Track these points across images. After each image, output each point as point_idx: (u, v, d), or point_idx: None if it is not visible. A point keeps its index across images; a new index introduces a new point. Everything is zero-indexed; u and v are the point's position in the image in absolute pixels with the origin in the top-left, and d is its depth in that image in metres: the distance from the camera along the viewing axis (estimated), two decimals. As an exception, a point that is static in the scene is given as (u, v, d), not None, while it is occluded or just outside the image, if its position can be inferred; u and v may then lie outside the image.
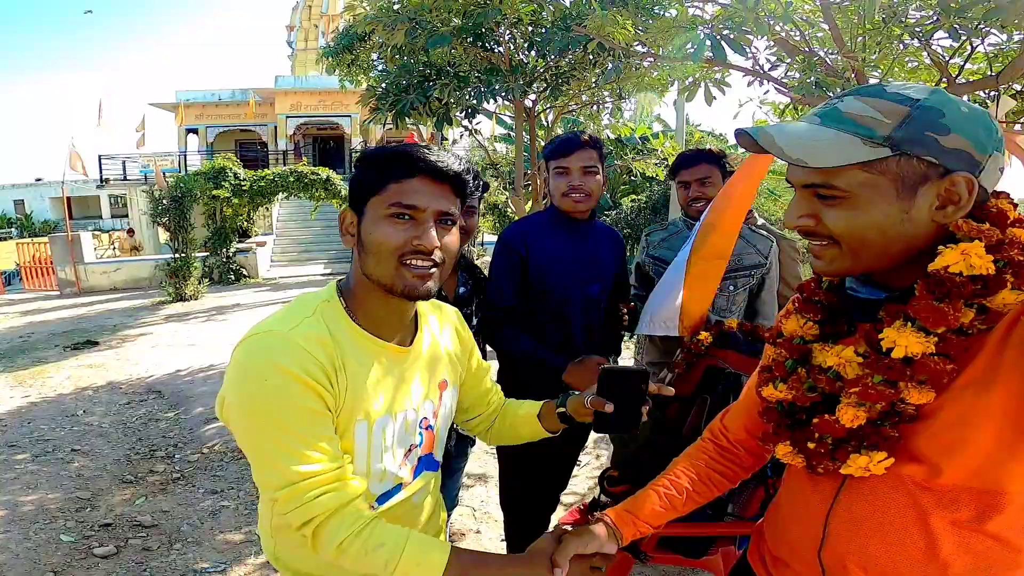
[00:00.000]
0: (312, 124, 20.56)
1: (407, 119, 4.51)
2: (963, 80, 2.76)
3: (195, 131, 20.88)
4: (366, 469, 0.89)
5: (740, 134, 0.72)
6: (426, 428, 0.98)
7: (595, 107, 5.90)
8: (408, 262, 0.87)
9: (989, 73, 2.70)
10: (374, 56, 5.64)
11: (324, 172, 11.93)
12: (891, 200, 0.67)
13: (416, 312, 1.01)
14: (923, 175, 0.66)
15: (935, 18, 2.40)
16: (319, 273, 13.09)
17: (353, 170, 0.92)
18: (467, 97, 4.37)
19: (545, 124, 6.19)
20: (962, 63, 2.77)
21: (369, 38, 4.92)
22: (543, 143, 5.86)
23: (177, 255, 9.62)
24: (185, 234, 9.67)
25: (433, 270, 0.89)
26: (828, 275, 0.76)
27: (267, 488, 0.83)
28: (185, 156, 19.26)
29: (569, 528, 0.94)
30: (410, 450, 0.95)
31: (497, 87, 4.38)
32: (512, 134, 9.01)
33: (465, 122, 5.25)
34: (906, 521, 0.71)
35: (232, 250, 11.78)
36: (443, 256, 0.90)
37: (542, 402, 1.15)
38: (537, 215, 1.86)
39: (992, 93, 2.65)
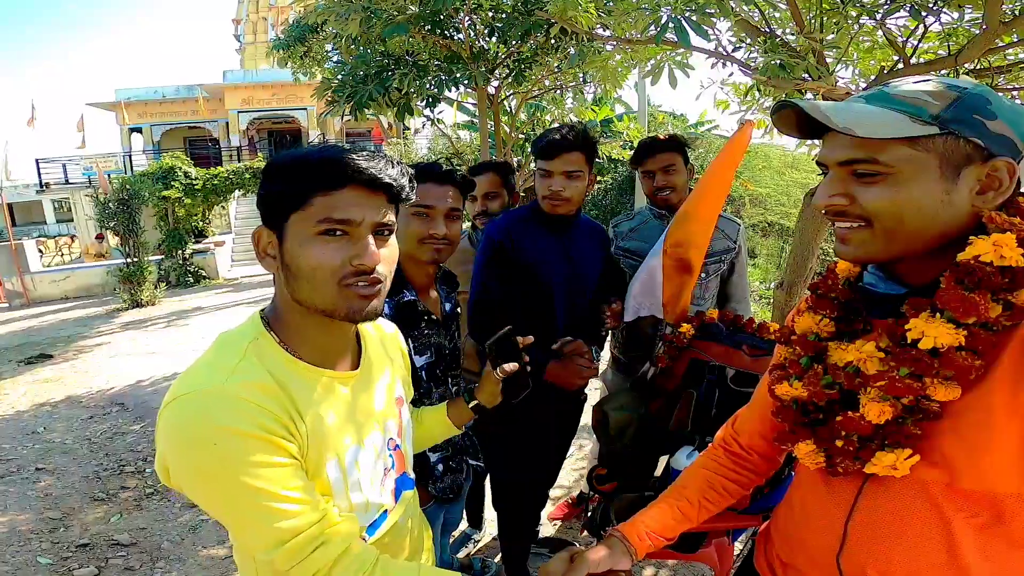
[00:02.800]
0: (266, 118, 19.91)
1: (366, 110, 4.38)
2: (918, 60, 2.81)
3: (139, 130, 19.98)
4: (348, 505, 0.82)
5: (783, 106, 0.70)
6: (394, 448, 0.93)
7: (559, 91, 5.84)
8: (349, 283, 0.77)
9: (940, 53, 2.75)
10: (328, 47, 5.45)
11: (281, 167, 11.57)
12: (934, 179, 0.66)
13: (358, 332, 0.93)
14: (967, 156, 0.66)
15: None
16: (282, 272, 12.69)
17: (265, 180, 0.79)
18: (428, 86, 4.27)
19: (508, 110, 6.11)
20: (916, 43, 2.82)
21: (322, 29, 4.74)
22: (508, 129, 5.79)
23: (129, 260, 9.21)
24: (135, 238, 9.24)
25: (378, 287, 0.79)
26: (855, 260, 0.74)
27: (257, 550, 0.75)
28: (130, 156, 18.42)
29: (580, 547, 0.92)
30: (385, 474, 0.90)
31: (459, 75, 4.29)
32: (475, 121, 8.90)
33: (427, 112, 5.13)
34: (928, 526, 0.69)
35: (188, 252, 11.34)
36: (385, 271, 0.80)
37: (444, 403, 1.18)
38: (522, 209, 1.83)
39: (944, 73, 2.71)
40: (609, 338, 2.19)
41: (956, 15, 2.79)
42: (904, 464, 0.68)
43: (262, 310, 0.84)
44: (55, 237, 18.35)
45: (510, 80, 4.90)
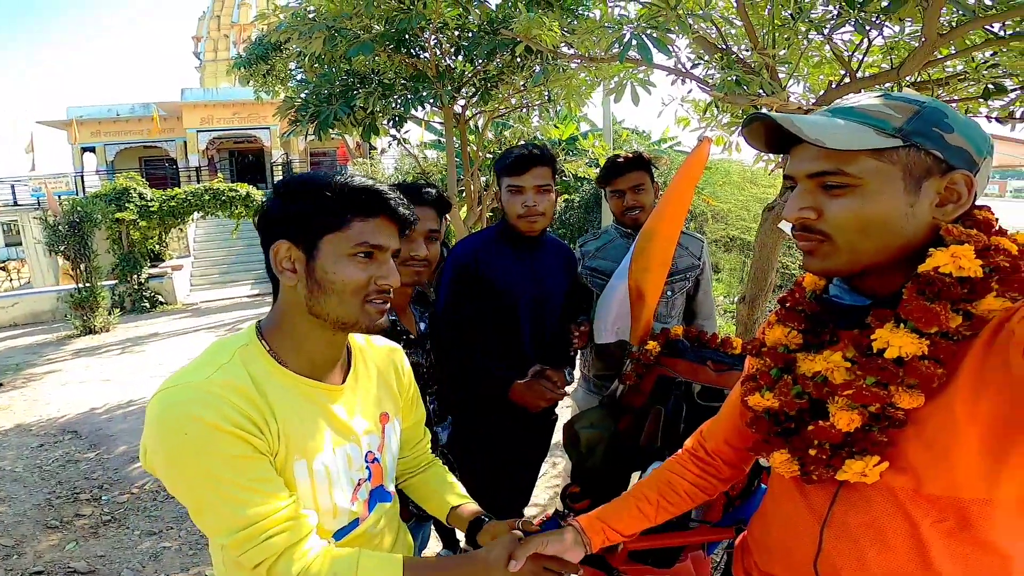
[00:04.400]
0: (227, 138, 19.51)
1: (331, 130, 4.33)
2: (863, 74, 2.94)
3: (92, 149, 19.31)
4: (314, 506, 0.88)
5: (754, 118, 0.71)
6: (372, 461, 0.97)
7: (525, 110, 5.91)
8: (371, 299, 0.87)
9: (884, 66, 2.89)
10: (292, 65, 5.39)
11: (243, 188, 11.33)
12: (899, 191, 0.69)
13: (349, 347, 1.01)
14: (928, 169, 0.69)
15: (837, 13, 2.54)
16: (245, 295, 12.41)
17: (290, 198, 0.86)
18: (393, 105, 4.24)
19: (476, 129, 6.14)
20: (861, 57, 2.96)
21: (285, 47, 4.69)
22: (476, 148, 5.81)
23: (81, 285, 8.82)
24: (87, 262, 8.86)
25: (388, 303, 0.91)
26: (822, 273, 0.75)
27: (213, 535, 0.82)
28: (82, 177, 17.79)
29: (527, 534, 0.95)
30: (359, 484, 0.95)
31: (425, 94, 4.28)
32: (442, 140, 8.91)
33: (393, 131, 5.11)
34: (898, 531, 0.71)
35: (144, 276, 10.93)
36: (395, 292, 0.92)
37: (464, 502, 1.16)
38: (487, 231, 1.82)
39: (889, 86, 2.85)
40: (579, 357, 2.19)
41: (898, 28, 2.94)
42: (873, 471, 0.69)
43: (259, 321, 0.92)
44: (4, 262, 17.47)
45: (476, 99, 4.93)
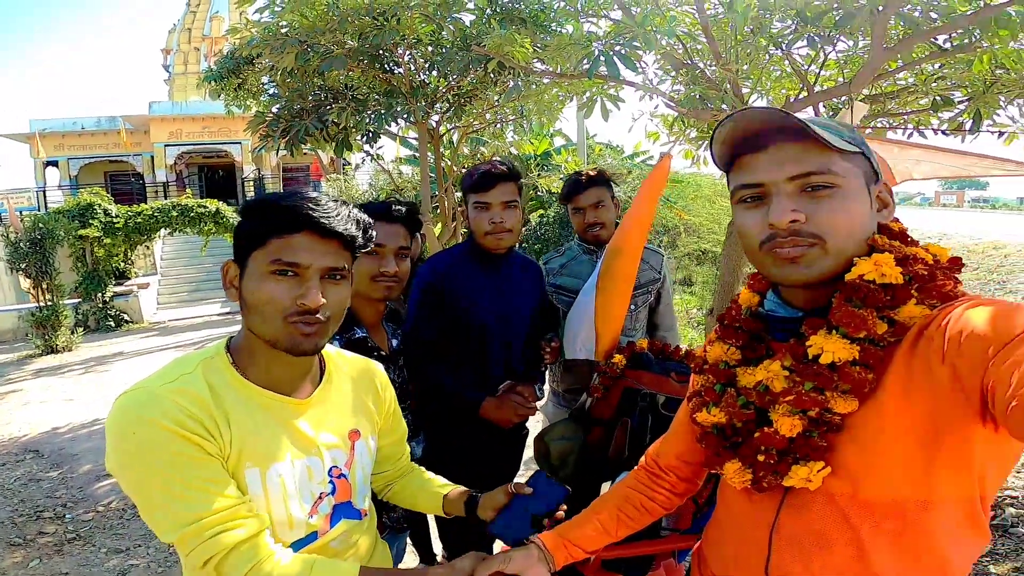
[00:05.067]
0: (196, 152, 19.18)
1: (303, 145, 4.30)
2: (820, 88, 3.07)
3: (55, 164, 18.77)
4: (267, 515, 0.88)
5: (766, 112, 0.72)
6: (337, 477, 0.97)
7: (499, 125, 5.96)
8: (293, 321, 0.86)
9: (840, 80, 3.02)
10: (264, 79, 5.35)
11: (213, 204, 11.11)
12: (865, 194, 0.73)
13: (323, 363, 1.01)
14: (870, 176, 0.74)
15: (795, 28, 2.65)
16: (216, 313, 12.12)
17: (240, 219, 0.90)
18: (367, 121, 4.24)
19: (451, 144, 6.17)
20: (818, 71, 3.08)
21: (257, 60, 4.66)
22: (450, 163, 5.83)
23: (43, 304, 8.51)
24: (49, 280, 8.57)
25: (318, 327, 0.88)
26: (807, 281, 0.74)
27: (162, 532, 0.82)
28: (45, 192, 17.27)
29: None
30: (320, 498, 0.94)
31: (399, 109, 4.29)
32: (417, 156, 8.92)
33: (367, 147, 5.10)
34: (839, 535, 0.72)
35: (109, 294, 10.60)
36: (330, 313, 0.89)
37: (453, 487, 1.18)
38: (455, 248, 1.83)
39: (845, 99, 2.98)
40: (548, 372, 2.22)
41: (851, 43, 3.07)
42: (817, 476, 0.71)
43: (231, 336, 0.95)
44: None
45: (450, 114, 4.96)
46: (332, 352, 1.06)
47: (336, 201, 0.90)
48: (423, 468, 1.25)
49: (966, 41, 2.64)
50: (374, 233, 0.96)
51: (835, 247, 0.71)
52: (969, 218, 22.22)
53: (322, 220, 0.85)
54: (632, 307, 2.03)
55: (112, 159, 19.02)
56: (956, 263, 0.73)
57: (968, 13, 2.36)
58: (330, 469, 0.96)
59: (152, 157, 18.48)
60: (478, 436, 1.72)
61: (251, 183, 19.13)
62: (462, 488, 1.17)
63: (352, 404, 1.03)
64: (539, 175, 8.90)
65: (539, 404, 1.89)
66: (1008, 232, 13.89)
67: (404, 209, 1.51)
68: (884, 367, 0.69)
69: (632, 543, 1.33)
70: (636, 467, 1.07)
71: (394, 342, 1.58)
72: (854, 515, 0.71)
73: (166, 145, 18.18)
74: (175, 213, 10.76)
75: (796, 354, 0.74)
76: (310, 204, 0.86)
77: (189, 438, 0.80)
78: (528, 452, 2.05)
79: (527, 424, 1.91)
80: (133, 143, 18.26)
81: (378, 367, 1.15)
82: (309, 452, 0.93)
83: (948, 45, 2.77)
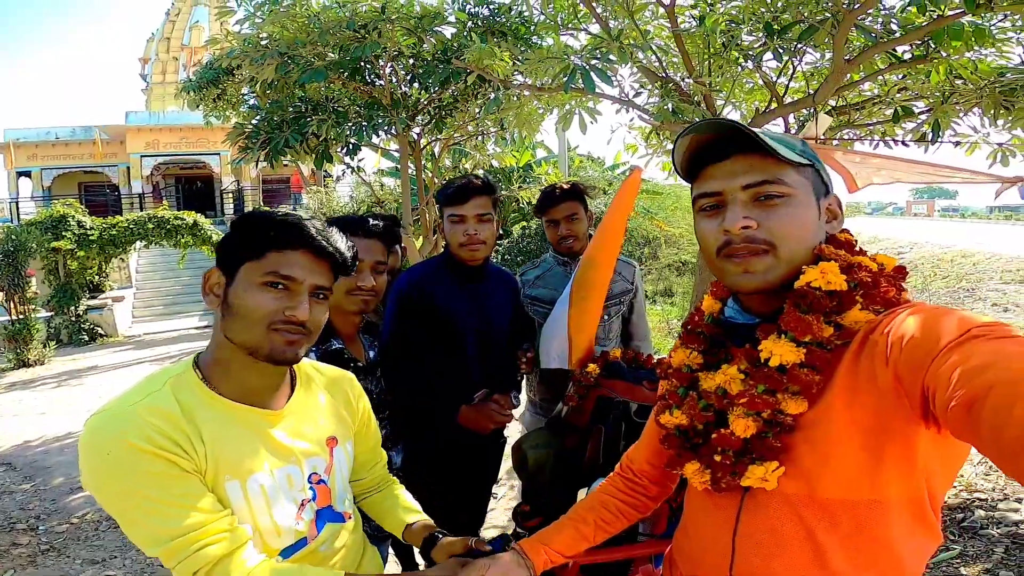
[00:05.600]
0: (174, 164, 18.92)
1: (283, 157, 4.28)
2: (790, 99, 3.16)
3: (28, 174, 18.37)
4: (254, 525, 0.90)
5: (717, 125, 0.76)
6: (317, 483, 0.99)
7: (480, 137, 6.00)
8: (277, 328, 0.89)
9: (809, 92, 3.12)
10: (244, 90, 5.33)
11: (190, 216, 10.96)
12: (814, 204, 0.77)
13: (294, 375, 1.03)
14: (820, 188, 0.78)
15: (764, 41, 2.74)
16: (193, 327, 11.92)
17: (230, 231, 0.93)
18: (347, 133, 4.24)
19: (432, 156, 6.19)
20: (787, 82, 3.18)
21: (237, 71, 4.64)
22: (432, 176, 5.84)
23: (14, 317, 8.30)
24: (21, 293, 8.37)
25: (301, 337, 0.92)
26: (760, 288, 0.77)
27: (146, 546, 0.84)
28: (17, 203, 16.89)
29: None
30: (303, 504, 0.96)
31: (380, 121, 4.30)
32: (399, 168, 8.92)
33: (347, 159, 5.09)
34: (796, 535, 0.74)
35: (82, 308, 10.37)
36: (311, 327, 0.93)
37: (418, 518, 1.18)
38: (431, 261, 1.86)
39: (811, 111, 3.07)
40: (524, 381, 2.24)
41: (818, 56, 3.18)
42: (772, 476, 0.73)
43: (199, 354, 0.96)
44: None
45: (431, 127, 4.98)
46: (304, 363, 1.08)
47: (329, 225, 0.96)
48: (401, 487, 1.26)
49: (923, 52, 2.74)
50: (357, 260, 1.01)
51: (785, 253, 0.74)
52: (940, 227, 22.81)
53: (319, 240, 0.91)
54: (605, 317, 2.06)
55: (87, 170, 18.68)
56: (900, 272, 0.76)
57: (923, 24, 2.46)
58: (309, 476, 0.98)
59: (128, 168, 18.18)
60: (456, 444, 1.73)
61: (230, 195, 18.91)
62: (427, 522, 1.18)
63: (327, 412, 1.05)
64: (520, 187, 8.95)
65: (516, 413, 1.90)
66: (976, 241, 14.32)
67: (381, 224, 1.54)
68: (832, 370, 0.72)
69: (610, 548, 1.34)
70: (611, 473, 1.10)
71: (371, 353, 1.61)
72: (809, 515, 0.73)
73: (142, 156, 17.90)
74: (151, 225, 10.59)
75: (751, 358, 0.78)
76: (311, 225, 0.91)
77: (162, 456, 0.81)
78: (508, 461, 2.08)
79: (505, 433, 1.92)
80: (108, 153, 17.98)
81: (350, 377, 1.17)
82: (288, 460, 0.95)
83: (907, 56, 2.88)
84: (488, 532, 2.83)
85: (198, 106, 5.81)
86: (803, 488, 0.73)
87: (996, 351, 0.55)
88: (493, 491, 3.44)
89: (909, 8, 2.40)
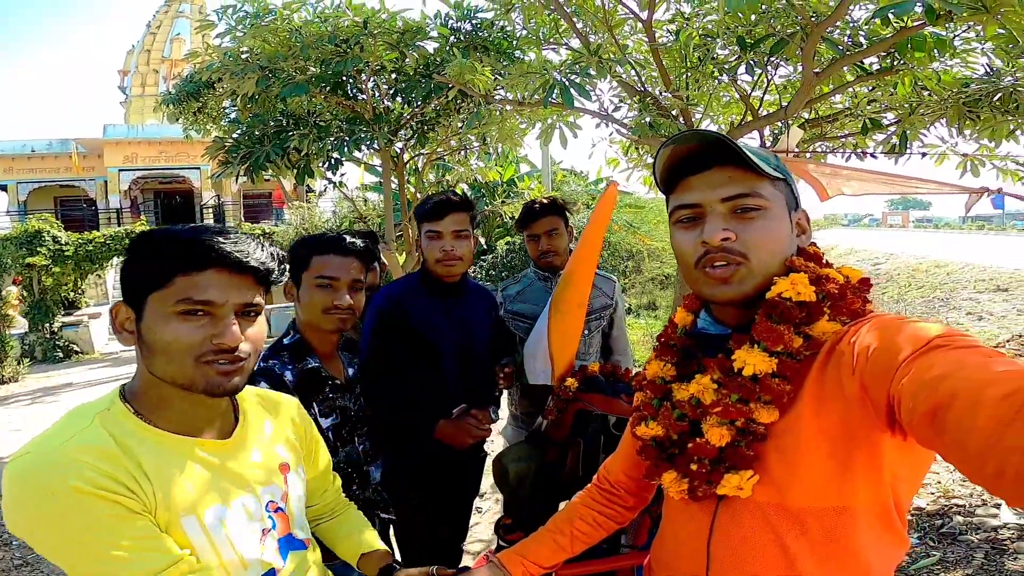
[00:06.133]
0: (152, 178, 18.68)
1: (264, 172, 4.25)
2: (765, 112, 3.23)
3: (3, 188, 18.02)
4: (218, 561, 0.84)
5: (701, 135, 0.77)
6: (275, 511, 0.95)
7: (463, 152, 6.03)
8: (208, 360, 0.80)
9: (784, 104, 3.20)
10: (225, 104, 5.30)
11: (170, 230, 10.82)
12: (787, 218, 0.79)
13: (236, 402, 0.96)
14: (791, 202, 0.81)
15: (738, 54, 2.81)
16: (171, 341, 11.69)
17: (127, 258, 0.83)
18: (329, 147, 4.23)
19: (415, 171, 6.19)
20: (761, 95, 3.25)
21: (218, 84, 4.62)
22: (415, 191, 5.84)
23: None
24: (-7, 310, 8.18)
25: (240, 364, 0.83)
26: (735, 299, 0.79)
27: None
28: (-10, 218, 16.52)
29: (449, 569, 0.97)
30: (264, 534, 0.92)
31: (362, 136, 4.30)
32: (382, 182, 8.92)
33: (328, 174, 5.07)
34: (768, 543, 0.75)
35: (57, 325, 10.14)
36: (250, 350, 0.84)
37: (374, 548, 1.15)
38: (409, 277, 1.86)
39: (788, 123, 3.14)
40: (506, 396, 2.25)
41: (791, 69, 3.25)
42: (747, 484, 0.74)
43: (123, 384, 0.87)
44: None
45: (414, 141, 5.00)
46: (247, 389, 1.01)
47: (245, 233, 0.87)
48: (358, 514, 1.23)
49: (889, 64, 2.82)
50: (287, 266, 0.93)
51: (759, 265, 0.76)
52: (914, 238, 23.33)
53: (235, 254, 0.80)
54: (586, 332, 2.08)
55: (63, 184, 18.36)
56: (865, 284, 0.79)
57: (888, 36, 2.53)
58: (267, 504, 0.93)
59: (105, 182, 17.91)
60: (437, 459, 1.72)
61: (210, 210, 18.71)
62: (383, 551, 1.14)
63: (276, 438, 1.00)
64: (504, 202, 8.99)
65: (498, 427, 1.89)
66: (950, 251, 14.69)
67: (359, 242, 1.52)
68: (801, 380, 0.74)
69: (591, 560, 1.35)
70: (589, 485, 1.10)
71: (350, 371, 1.59)
72: (779, 523, 0.74)
73: (120, 170, 17.65)
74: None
75: (724, 368, 0.79)
76: (218, 237, 0.80)
77: (109, 497, 0.73)
78: (489, 477, 2.06)
79: (487, 447, 1.92)
80: (86, 167, 17.70)
81: (294, 401, 1.12)
82: (243, 490, 0.90)
83: (875, 68, 2.96)
84: (473, 546, 2.81)
85: (178, 119, 5.78)
86: (774, 496, 0.74)
87: (957, 360, 0.57)
88: (478, 506, 3.42)
89: (874, 20, 2.48)
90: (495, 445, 2.32)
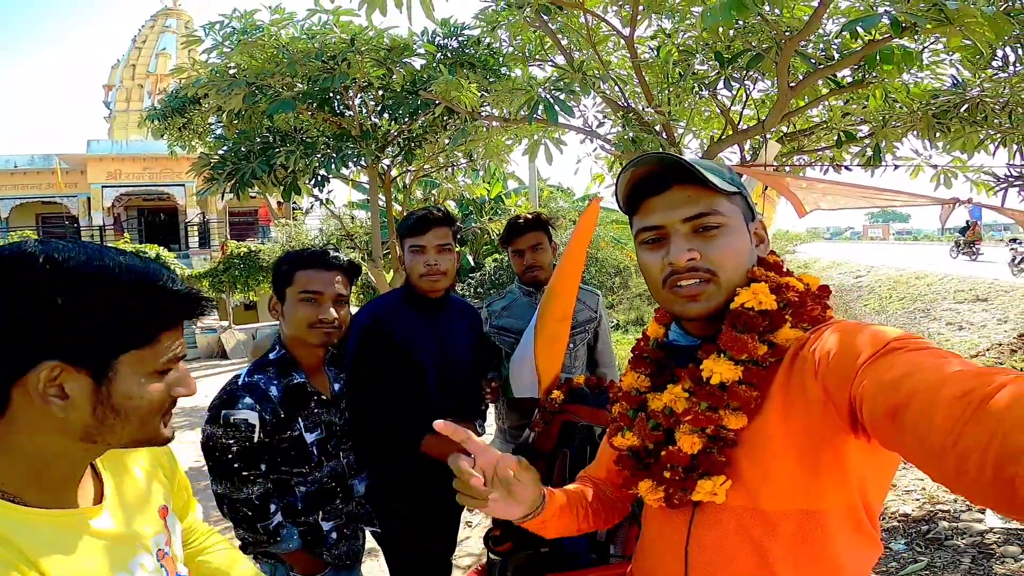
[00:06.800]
0: (136, 194, 18.53)
1: (250, 189, 4.23)
2: (745, 127, 3.30)
3: (-17, 206, 17.78)
4: None
5: (657, 158, 0.79)
6: (163, 557, 0.88)
7: (450, 169, 6.06)
8: (168, 412, 0.77)
9: (759, 119, 3.27)
10: (211, 120, 5.29)
11: (153, 249, 10.79)
12: (745, 230, 0.82)
13: (94, 467, 0.86)
14: (748, 214, 0.83)
15: (717, 69, 2.88)
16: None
17: (66, 302, 0.64)
18: (316, 164, 4.23)
19: (403, 188, 6.20)
20: (740, 109, 3.32)
21: (204, 100, 4.62)
22: (403, 208, 5.85)
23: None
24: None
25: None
26: (704, 315, 0.81)
27: None
28: (-31, 237, 16.22)
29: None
30: None
31: (349, 152, 4.31)
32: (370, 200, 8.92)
33: (316, 191, 5.06)
34: (743, 546, 0.76)
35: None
36: None
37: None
38: (392, 293, 1.87)
39: (768, 137, 3.21)
40: (493, 409, 2.26)
41: (769, 83, 3.33)
42: (721, 490, 0.76)
43: None
44: None
45: (401, 158, 5.01)
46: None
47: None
48: (233, 549, 1.14)
49: (861, 76, 2.91)
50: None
51: (725, 280, 0.79)
52: (895, 250, 23.79)
53: (205, 305, 0.75)
54: (571, 345, 2.11)
55: (45, 200, 18.15)
56: (824, 291, 0.82)
57: (858, 49, 2.61)
58: (156, 552, 0.86)
59: (88, 198, 17.75)
60: (425, 470, 1.72)
61: (195, 227, 18.57)
62: None
63: (148, 484, 0.92)
64: (491, 219, 9.02)
65: (485, 441, 1.89)
66: (929, 262, 14.99)
67: (342, 255, 1.54)
68: (768, 386, 0.76)
69: (583, 570, 1.37)
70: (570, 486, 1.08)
71: (336, 386, 1.60)
72: (753, 526, 0.75)
73: (104, 186, 17.51)
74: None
75: (694, 377, 0.81)
76: (194, 291, 0.73)
77: None
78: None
79: None
80: (68, 183, 17.55)
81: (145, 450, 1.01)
82: (138, 551, 0.82)
83: (848, 81, 3.05)
84: (463, 560, 2.78)
85: (163, 135, 5.76)
86: (747, 500, 0.75)
87: (914, 362, 0.59)
88: (467, 519, 3.38)
89: (844, 34, 2.55)
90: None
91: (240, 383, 1.43)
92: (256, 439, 1.36)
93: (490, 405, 2.09)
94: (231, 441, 1.35)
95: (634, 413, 0.89)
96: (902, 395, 0.56)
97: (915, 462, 0.57)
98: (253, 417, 1.37)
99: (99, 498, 0.80)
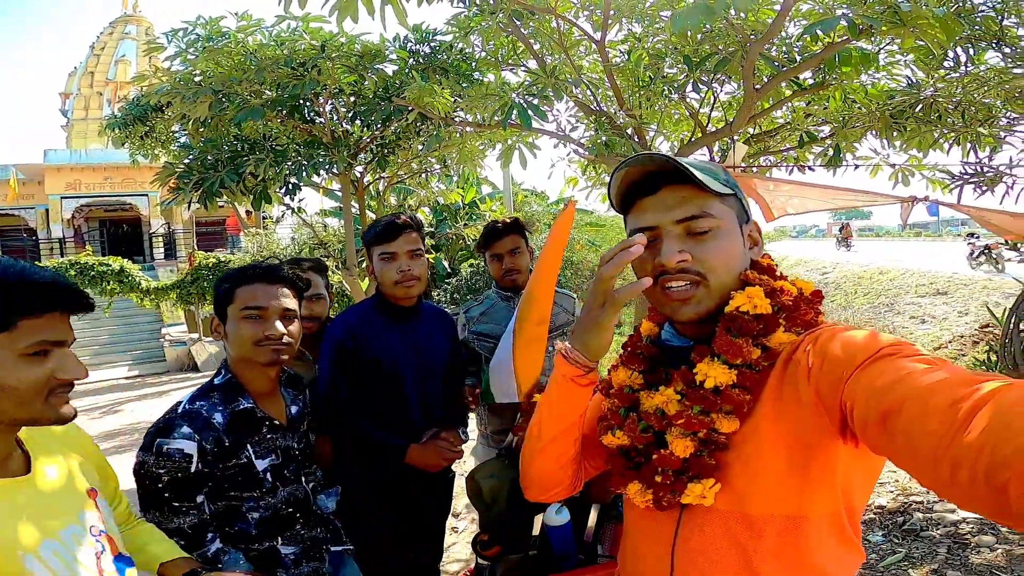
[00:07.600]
0: (98, 205, 17.93)
1: (218, 198, 4.12)
2: (714, 129, 3.37)
3: (-68, 221, 16.99)
4: None
5: (649, 158, 0.78)
6: (99, 534, 0.95)
7: (424, 175, 6.02)
8: (58, 393, 0.86)
9: (727, 121, 3.34)
10: (175, 128, 5.16)
11: (116, 262, 10.40)
12: (738, 232, 0.81)
13: (19, 441, 0.96)
14: (742, 216, 0.83)
15: (686, 73, 2.93)
16: (123, 376, 11.19)
17: None
18: (286, 172, 4.14)
19: (376, 194, 6.14)
20: (709, 112, 3.39)
21: (166, 109, 4.50)
22: (376, 215, 5.79)
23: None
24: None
25: (69, 391, 0.90)
26: (694, 318, 0.81)
27: None
28: (-83, 253, 15.49)
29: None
30: (98, 557, 0.93)
31: (321, 160, 4.24)
32: (343, 207, 8.81)
33: (287, 200, 4.97)
34: (729, 550, 0.76)
35: None
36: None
37: (175, 555, 1.15)
38: (363, 304, 1.83)
39: (736, 139, 3.28)
40: (476, 415, 2.24)
41: (736, 86, 3.41)
42: (710, 493, 0.76)
43: None
44: None
45: (374, 165, 4.96)
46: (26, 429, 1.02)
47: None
48: (152, 527, 1.22)
49: (821, 78, 3.00)
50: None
51: (716, 283, 0.79)
52: (857, 247, 24.49)
53: (73, 299, 0.86)
54: (550, 349, 2.11)
55: (1, 212, 17.43)
56: (817, 296, 0.82)
57: (818, 52, 2.69)
58: (90, 528, 0.93)
59: (47, 210, 17.10)
60: (406, 477, 1.70)
61: (160, 238, 18.06)
62: (184, 557, 1.15)
63: (72, 465, 1.00)
64: (467, 225, 8.99)
65: (468, 447, 1.88)
66: (891, 258, 15.48)
67: (285, 269, 1.45)
68: (760, 389, 0.76)
69: (574, 570, 1.36)
70: None
71: (294, 409, 1.48)
72: (740, 530, 0.75)
73: (63, 197, 16.89)
74: (73, 272, 9.92)
75: (687, 380, 0.81)
76: (58, 281, 0.85)
77: None
78: (456, 500, 2.03)
79: (453, 468, 1.91)
80: (25, 195, 16.90)
81: (74, 426, 1.08)
82: (66, 521, 0.90)
83: (810, 83, 3.14)
84: (451, 566, 2.75)
85: (124, 144, 5.59)
86: (735, 504, 0.76)
87: (906, 368, 0.60)
88: (453, 526, 3.36)
89: (805, 37, 2.63)
90: (466, 465, 2.29)
91: (180, 410, 1.33)
92: (194, 469, 1.27)
93: (471, 411, 2.08)
94: (162, 471, 1.25)
95: (625, 412, 0.88)
96: (894, 401, 0.57)
97: (905, 468, 0.57)
98: (190, 447, 1.27)
99: (26, 469, 0.90)
